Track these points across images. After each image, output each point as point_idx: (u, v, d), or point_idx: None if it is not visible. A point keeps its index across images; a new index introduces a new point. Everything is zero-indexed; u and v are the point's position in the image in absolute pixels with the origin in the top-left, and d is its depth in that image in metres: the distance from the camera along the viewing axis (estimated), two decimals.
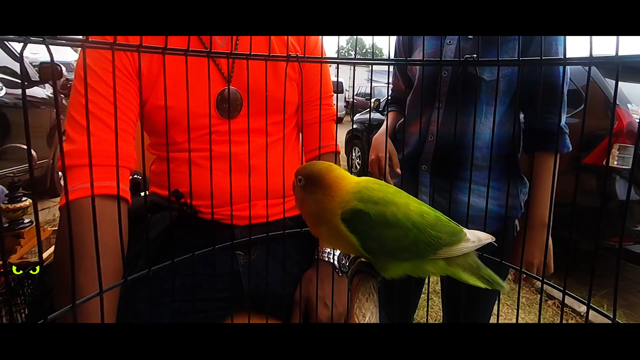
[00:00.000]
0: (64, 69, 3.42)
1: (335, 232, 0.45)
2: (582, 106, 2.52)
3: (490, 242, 0.48)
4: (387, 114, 0.84)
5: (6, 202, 1.28)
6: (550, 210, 0.90)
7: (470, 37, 0.90)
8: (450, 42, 0.93)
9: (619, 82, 0.42)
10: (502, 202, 0.93)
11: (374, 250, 0.44)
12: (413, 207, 0.45)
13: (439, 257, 0.45)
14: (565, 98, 0.87)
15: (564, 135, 0.89)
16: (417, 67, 0.99)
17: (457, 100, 0.89)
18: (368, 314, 0.44)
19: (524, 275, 0.53)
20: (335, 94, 0.92)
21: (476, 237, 0.47)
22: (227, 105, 0.73)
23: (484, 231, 0.49)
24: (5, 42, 2.87)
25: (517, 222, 1.02)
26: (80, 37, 0.36)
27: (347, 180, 0.45)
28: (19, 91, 2.98)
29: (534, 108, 0.89)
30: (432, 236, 0.44)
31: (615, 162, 2.32)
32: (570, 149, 0.89)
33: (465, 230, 0.47)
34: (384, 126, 1.10)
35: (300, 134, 0.88)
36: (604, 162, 2.31)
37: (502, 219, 0.93)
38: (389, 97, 1.07)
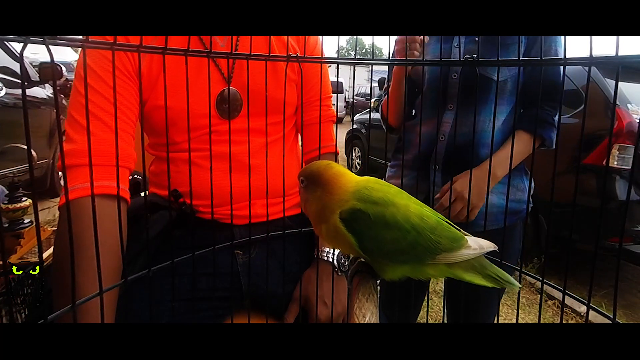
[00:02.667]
0: (64, 69, 3.42)
1: (334, 231, 0.45)
2: (582, 106, 2.52)
3: (501, 233, 0.48)
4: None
5: (6, 202, 1.28)
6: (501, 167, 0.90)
7: (476, 39, 0.91)
8: (457, 45, 0.94)
9: (619, 82, 0.41)
10: (512, 196, 0.95)
11: (371, 251, 0.44)
12: (413, 209, 0.44)
13: (439, 262, 0.44)
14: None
15: (553, 129, 0.90)
16: (423, 69, 1.00)
17: (468, 102, 0.92)
18: (368, 314, 0.45)
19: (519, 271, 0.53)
20: (335, 94, 0.92)
21: (478, 245, 0.46)
22: (227, 106, 0.73)
23: (492, 226, 0.49)
24: (5, 42, 2.87)
25: (521, 222, 1.02)
26: (80, 37, 0.36)
27: (347, 178, 0.45)
28: (19, 91, 2.98)
29: (536, 105, 0.91)
30: (431, 240, 0.43)
31: (615, 162, 2.32)
32: (553, 146, 0.91)
33: (468, 237, 0.47)
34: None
35: (300, 135, 0.88)
36: (604, 162, 2.31)
37: (511, 214, 0.95)
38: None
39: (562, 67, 0.43)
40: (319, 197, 0.45)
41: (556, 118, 0.91)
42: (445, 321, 0.92)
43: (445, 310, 1.14)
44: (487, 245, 0.46)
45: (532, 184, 0.97)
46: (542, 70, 0.85)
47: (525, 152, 0.91)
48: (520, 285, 0.46)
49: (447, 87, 0.94)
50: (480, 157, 0.93)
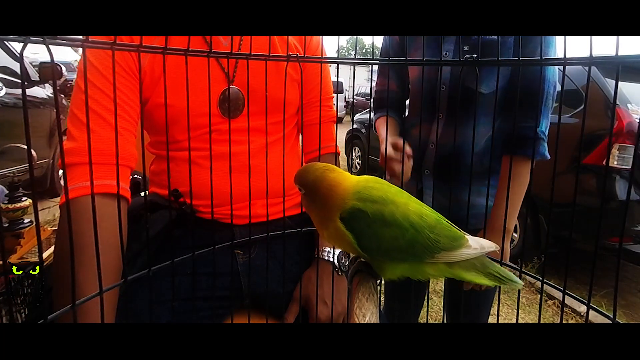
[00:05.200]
0: (64, 69, 3.42)
1: (335, 231, 0.45)
2: (582, 106, 2.52)
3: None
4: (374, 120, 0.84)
5: (6, 202, 1.28)
6: (512, 216, 0.90)
7: (465, 48, 0.92)
8: (446, 54, 0.94)
9: (619, 82, 0.41)
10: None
11: (370, 249, 0.44)
12: (413, 207, 0.44)
13: (438, 261, 0.44)
14: (550, 104, 0.85)
15: (541, 142, 0.85)
16: (415, 74, 1.00)
17: (456, 113, 0.92)
18: (368, 314, 0.44)
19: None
20: (335, 94, 0.92)
21: (479, 245, 0.46)
22: (228, 105, 0.73)
23: (486, 228, 0.49)
24: (5, 42, 2.87)
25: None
26: (80, 37, 0.36)
27: (346, 182, 0.45)
28: (19, 91, 2.98)
29: (513, 112, 0.87)
30: (430, 238, 0.43)
31: (615, 162, 2.32)
32: (547, 157, 0.86)
33: (468, 236, 0.46)
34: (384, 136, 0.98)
35: (300, 135, 0.88)
36: (604, 162, 2.31)
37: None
38: (373, 99, 1.05)
39: (546, 70, 0.43)
40: (320, 205, 0.45)
41: (542, 127, 0.86)
42: (444, 316, 0.92)
43: (444, 305, 1.14)
44: (488, 245, 0.46)
45: None
46: (522, 76, 0.83)
47: (526, 175, 0.85)
48: (522, 283, 0.46)
49: (437, 98, 0.95)
50: (468, 165, 0.94)
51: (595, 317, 1.67)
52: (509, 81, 0.90)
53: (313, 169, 0.47)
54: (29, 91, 3.14)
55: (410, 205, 0.44)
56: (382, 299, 1.13)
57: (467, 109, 0.91)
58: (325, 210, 0.45)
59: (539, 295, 0.81)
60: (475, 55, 0.51)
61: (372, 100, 0.92)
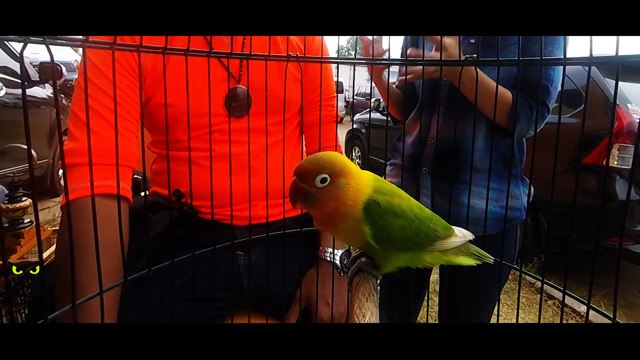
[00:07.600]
0: (64, 68, 3.42)
1: (352, 223, 0.44)
2: (582, 106, 2.52)
3: (494, 239, 0.50)
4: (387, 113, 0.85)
5: (6, 202, 1.28)
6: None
7: (472, 41, 0.90)
8: None
9: (619, 82, 0.41)
10: (504, 203, 0.92)
11: (381, 240, 0.46)
12: (413, 200, 0.48)
13: (434, 249, 0.49)
14: (551, 103, 0.86)
15: (526, 111, 0.84)
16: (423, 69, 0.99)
17: (457, 104, 0.90)
18: (368, 313, 0.44)
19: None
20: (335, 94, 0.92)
21: (462, 234, 0.52)
22: (235, 104, 0.73)
23: (486, 233, 0.52)
24: (5, 42, 2.87)
25: (518, 227, 1.01)
26: (80, 37, 0.36)
27: (364, 173, 0.47)
28: (19, 91, 2.98)
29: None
30: (430, 228, 0.47)
31: (615, 162, 2.32)
32: (515, 133, 0.86)
33: (453, 227, 0.52)
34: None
35: (302, 135, 0.88)
36: (604, 162, 2.31)
37: (502, 221, 0.90)
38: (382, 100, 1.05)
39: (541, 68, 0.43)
40: (344, 192, 0.43)
41: (534, 111, 0.84)
42: (439, 316, 0.91)
43: (445, 310, 1.12)
44: (468, 234, 0.52)
45: (531, 191, 0.94)
46: (540, 71, 0.82)
47: (492, 92, 0.79)
48: (491, 259, 0.52)
49: (437, 89, 0.93)
50: (468, 161, 0.91)
51: (595, 317, 1.67)
52: (511, 74, 0.88)
53: (328, 154, 0.45)
54: (29, 91, 3.14)
55: (410, 199, 0.48)
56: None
57: (469, 100, 0.87)
58: (348, 200, 0.43)
59: (539, 295, 0.81)
60: (475, 55, 0.51)
61: (371, 101, 0.92)
